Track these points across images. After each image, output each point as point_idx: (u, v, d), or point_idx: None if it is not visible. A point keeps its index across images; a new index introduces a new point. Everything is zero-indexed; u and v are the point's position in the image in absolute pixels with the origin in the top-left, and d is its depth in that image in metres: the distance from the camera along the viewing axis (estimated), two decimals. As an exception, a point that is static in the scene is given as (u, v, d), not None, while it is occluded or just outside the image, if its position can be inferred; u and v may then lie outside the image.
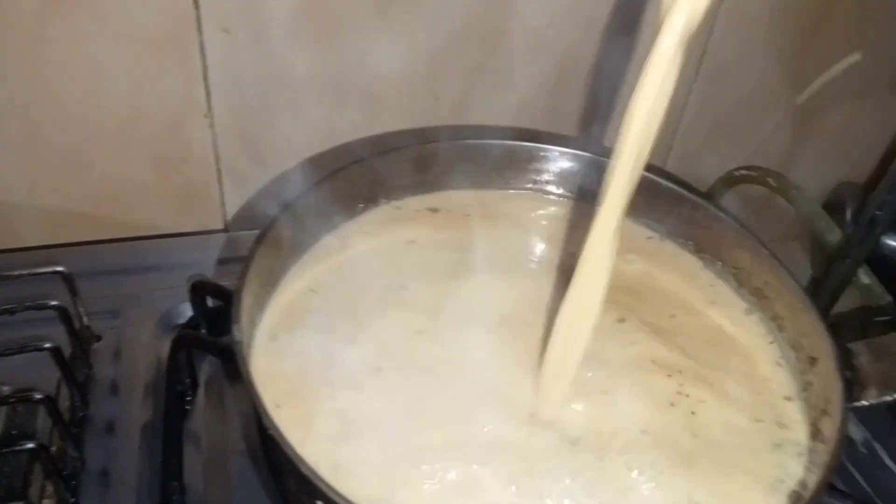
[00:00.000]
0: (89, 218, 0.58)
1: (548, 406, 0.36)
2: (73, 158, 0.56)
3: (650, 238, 0.51)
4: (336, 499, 0.28)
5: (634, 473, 0.35)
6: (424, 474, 0.34)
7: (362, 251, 0.46)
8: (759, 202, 0.74)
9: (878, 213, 0.55)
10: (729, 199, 0.72)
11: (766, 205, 0.74)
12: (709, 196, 0.71)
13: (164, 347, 0.49)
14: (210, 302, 0.49)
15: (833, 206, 0.75)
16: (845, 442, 0.33)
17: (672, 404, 0.38)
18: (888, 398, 0.34)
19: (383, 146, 0.51)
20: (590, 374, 0.38)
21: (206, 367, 0.50)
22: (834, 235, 0.64)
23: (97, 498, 0.42)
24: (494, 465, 0.34)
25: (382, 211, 0.49)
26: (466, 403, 0.37)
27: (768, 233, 0.79)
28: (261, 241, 0.39)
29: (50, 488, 0.41)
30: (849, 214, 0.72)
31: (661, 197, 0.49)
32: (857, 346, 0.36)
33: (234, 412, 0.47)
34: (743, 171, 0.70)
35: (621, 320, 0.43)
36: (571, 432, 0.36)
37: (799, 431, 0.37)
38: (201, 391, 0.48)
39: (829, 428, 0.34)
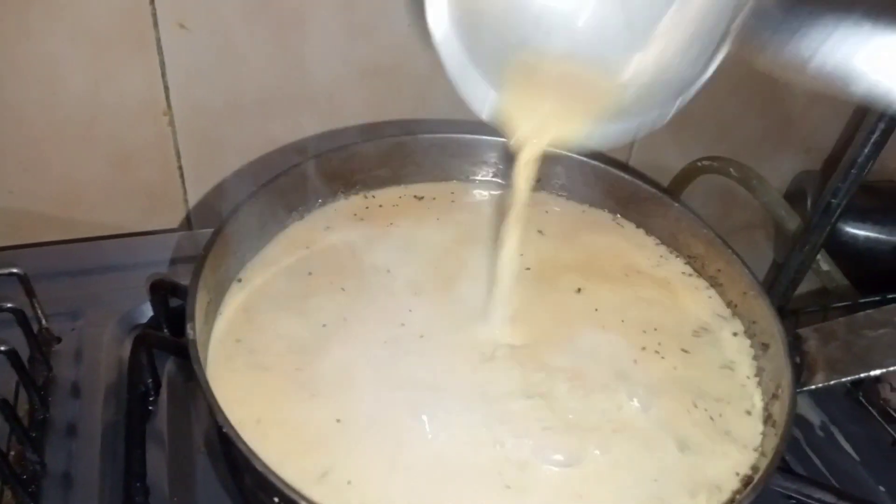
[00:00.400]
0: (48, 218, 0.57)
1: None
2: (30, 158, 0.55)
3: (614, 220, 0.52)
4: (291, 495, 0.28)
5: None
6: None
7: (321, 247, 0.46)
8: (723, 192, 0.76)
9: (832, 200, 0.56)
10: (693, 190, 0.73)
11: (731, 194, 0.75)
12: (670, 190, 0.73)
13: (126, 348, 0.49)
14: (172, 302, 0.48)
15: (795, 195, 0.77)
16: (792, 425, 0.33)
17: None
18: (834, 381, 0.35)
19: (345, 140, 0.51)
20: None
21: (169, 367, 0.50)
22: (793, 223, 0.66)
23: (59, 501, 0.41)
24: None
25: (347, 202, 0.49)
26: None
27: (733, 222, 0.81)
28: (214, 239, 0.39)
29: (8, 493, 0.40)
30: (809, 202, 0.74)
31: (619, 188, 0.49)
32: (806, 332, 0.37)
33: (198, 412, 0.47)
34: (705, 162, 0.71)
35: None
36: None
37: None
38: (164, 391, 0.48)
39: (779, 412, 0.35)
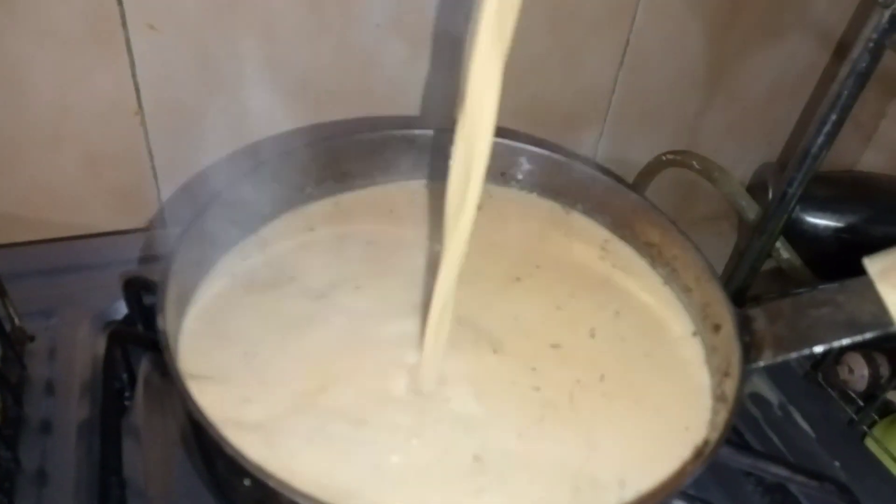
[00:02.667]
0: (20, 219, 0.57)
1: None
2: (-1, 160, 0.55)
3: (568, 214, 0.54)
4: (260, 476, 0.29)
5: None
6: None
7: (292, 244, 0.47)
8: (688, 185, 0.78)
9: (788, 189, 0.58)
10: (659, 183, 0.75)
11: (695, 187, 0.78)
12: (635, 183, 0.74)
13: (100, 346, 0.49)
14: (146, 299, 0.49)
15: (756, 187, 0.80)
16: (742, 400, 0.35)
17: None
18: (781, 358, 0.36)
19: (322, 134, 0.52)
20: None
21: (145, 365, 0.50)
22: (754, 212, 0.68)
23: (33, 498, 0.42)
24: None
25: (322, 203, 0.50)
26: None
27: (697, 214, 0.83)
28: (186, 232, 0.40)
29: (-18, 490, 0.41)
30: (770, 193, 0.76)
31: (578, 179, 0.51)
32: (755, 312, 0.39)
33: (174, 407, 0.48)
34: (670, 156, 0.73)
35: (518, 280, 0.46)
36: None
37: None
38: (140, 388, 0.48)
39: (730, 388, 0.37)
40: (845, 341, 0.35)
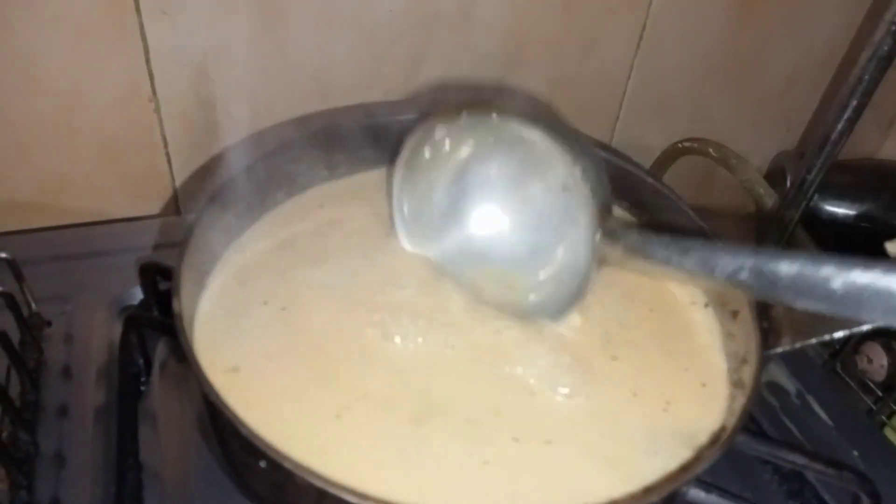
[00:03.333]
0: (36, 206, 0.58)
1: None
2: (14, 147, 0.55)
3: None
4: (276, 457, 0.29)
5: None
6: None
7: (300, 229, 0.47)
8: (704, 173, 0.77)
9: (807, 176, 0.57)
10: (675, 171, 0.75)
11: (711, 175, 0.77)
12: (653, 171, 0.74)
13: (117, 331, 0.50)
14: (162, 285, 0.49)
15: (774, 175, 0.78)
16: (760, 386, 0.35)
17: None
18: (799, 344, 0.36)
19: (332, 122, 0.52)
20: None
21: (161, 350, 0.50)
22: (772, 200, 0.67)
23: (52, 480, 0.42)
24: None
25: (327, 187, 0.50)
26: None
27: (714, 202, 0.82)
28: (201, 216, 0.40)
29: (2, 472, 0.41)
30: (788, 181, 0.75)
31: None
32: (773, 298, 0.38)
33: (190, 392, 0.48)
34: (686, 143, 0.73)
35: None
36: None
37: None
38: (156, 372, 0.49)
39: (748, 375, 0.36)
40: (865, 327, 0.34)
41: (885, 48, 0.50)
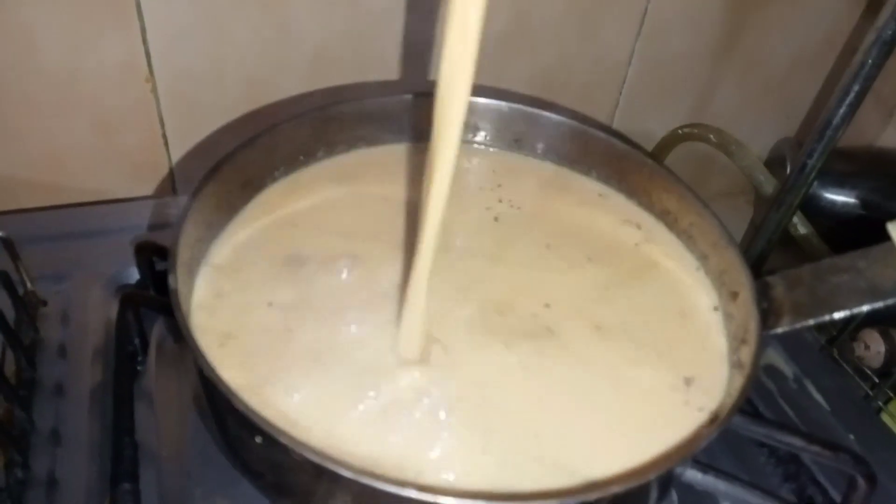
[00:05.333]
0: (31, 184, 0.57)
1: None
2: (9, 126, 0.55)
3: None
4: (272, 432, 0.29)
5: None
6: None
7: (299, 207, 0.46)
8: (704, 160, 0.77)
9: (808, 161, 0.57)
10: (674, 157, 0.74)
11: (711, 162, 0.76)
12: (654, 154, 0.73)
13: (113, 310, 0.49)
14: (158, 265, 0.49)
15: (774, 162, 0.78)
16: (759, 366, 0.35)
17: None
18: (799, 325, 0.36)
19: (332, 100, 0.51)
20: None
21: (158, 330, 0.50)
22: (771, 186, 0.67)
23: (48, 458, 0.42)
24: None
25: (324, 165, 0.50)
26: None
27: (714, 189, 0.82)
28: (196, 194, 0.39)
29: (-3, 448, 0.41)
30: (789, 168, 0.75)
31: (594, 146, 0.50)
32: (773, 279, 0.38)
33: (187, 372, 0.48)
34: (686, 129, 0.72)
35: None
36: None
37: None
38: (152, 353, 0.49)
39: (747, 355, 0.36)
40: (865, 307, 0.34)
41: (889, 32, 0.50)
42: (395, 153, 0.51)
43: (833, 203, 0.76)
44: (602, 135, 0.48)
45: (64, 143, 0.57)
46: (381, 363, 0.37)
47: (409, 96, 0.49)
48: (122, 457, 0.42)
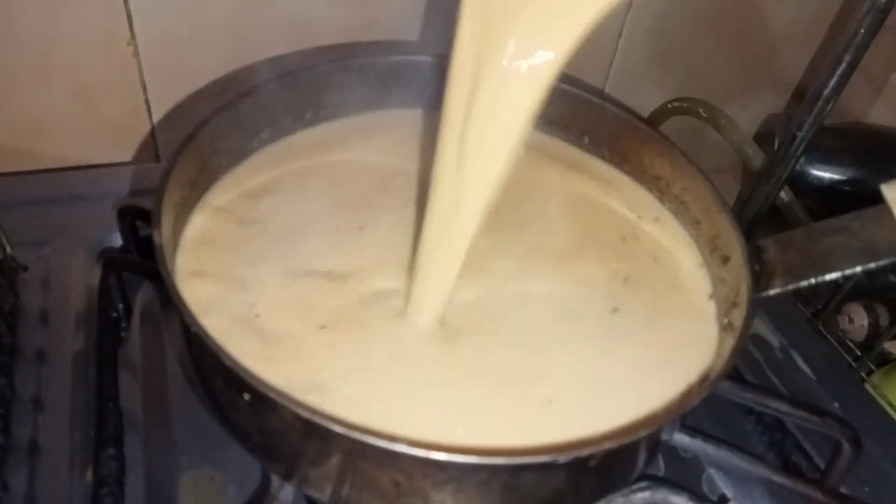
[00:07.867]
0: (10, 150, 0.56)
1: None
2: (-14, 90, 0.53)
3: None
4: (259, 387, 0.29)
5: None
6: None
7: (284, 171, 0.46)
8: (694, 134, 0.77)
9: (797, 133, 0.57)
10: (664, 131, 0.74)
11: (701, 136, 0.76)
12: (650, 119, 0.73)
13: (95, 277, 0.48)
14: (142, 231, 0.48)
15: (763, 136, 0.78)
16: (750, 328, 0.35)
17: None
18: (791, 287, 0.36)
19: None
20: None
21: (142, 296, 0.49)
22: (760, 160, 0.67)
23: (29, 424, 0.41)
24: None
25: (313, 130, 0.49)
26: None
27: (703, 163, 0.82)
28: (180, 152, 0.38)
29: (-23, 414, 0.40)
30: (777, 141, 0.75)
31: (586, 111, 0.50)
32: (765, 242, 0.38)
33: (172, 338, 0.47)
34: (676, 103, 0.72)
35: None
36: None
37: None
38: (136, 319, 0.48)
39: (738, 318, 0.36)
40: (859, 268, 0.34)
41: (883, 0, 0.50)
42: (385, 119, 0.50)
43: (820, 179, 0.76)
44: (594, 99, 0.48)
45: (44, 109, 0.55)
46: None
47: (397, 58, 0.48)
48: (106, 422, 0.41)
